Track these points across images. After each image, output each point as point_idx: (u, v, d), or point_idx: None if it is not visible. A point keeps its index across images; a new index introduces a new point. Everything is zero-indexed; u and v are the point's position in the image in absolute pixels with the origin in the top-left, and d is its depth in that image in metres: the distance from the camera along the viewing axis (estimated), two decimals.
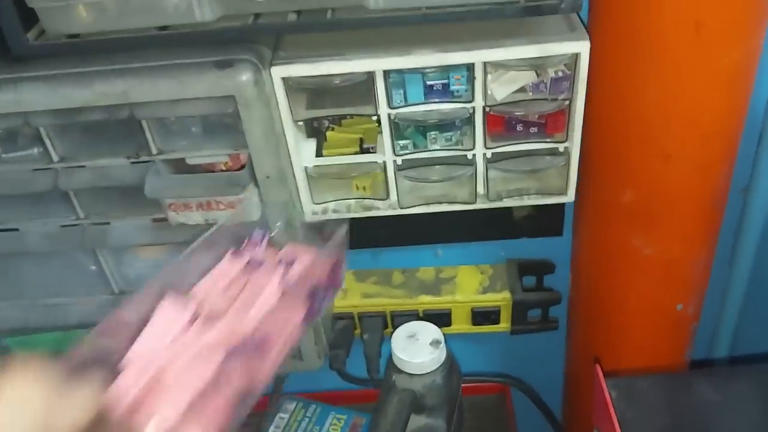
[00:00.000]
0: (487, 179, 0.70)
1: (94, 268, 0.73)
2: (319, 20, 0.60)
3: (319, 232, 0.56)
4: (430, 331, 0.72)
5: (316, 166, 0.70)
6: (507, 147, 0.69)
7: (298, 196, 0.71)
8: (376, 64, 0.62)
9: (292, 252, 0.52)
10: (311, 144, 0.71)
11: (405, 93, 0.65)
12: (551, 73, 0.64)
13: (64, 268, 0.74)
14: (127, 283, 0.75)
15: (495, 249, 0.98)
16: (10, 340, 0.79)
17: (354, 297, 0.96)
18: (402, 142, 0.69)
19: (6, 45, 0.60)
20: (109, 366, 0.40)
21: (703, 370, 0.94)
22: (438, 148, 0.69)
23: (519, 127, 0.68)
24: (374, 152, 0.70)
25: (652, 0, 0.62)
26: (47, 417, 0.32)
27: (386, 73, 0.64)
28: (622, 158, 0.72)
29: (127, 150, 0.65)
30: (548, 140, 0.68)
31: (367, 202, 0.73)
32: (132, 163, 0.65)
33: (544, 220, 0.94)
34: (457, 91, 0.66)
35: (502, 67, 0.64)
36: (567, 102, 0.65)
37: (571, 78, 0.64)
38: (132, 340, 0.42)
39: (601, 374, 0.63)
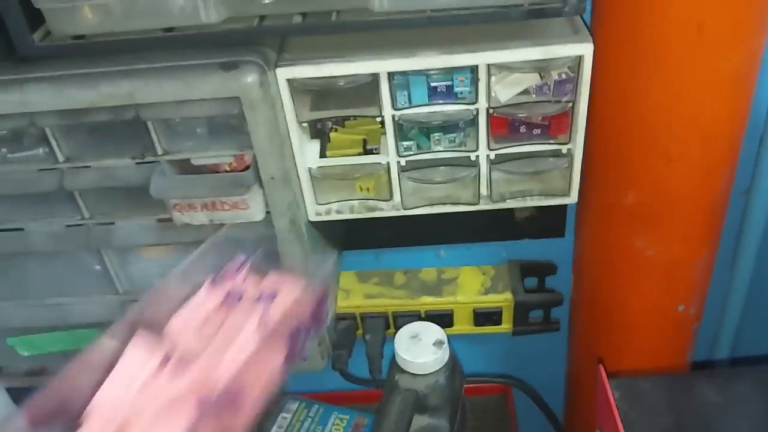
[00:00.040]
0: (490, 180, 0.71)
1: (98, 267, 0.73)
2: (324, 22, 0.60)
3: (305, 261, 0.54)
4: (433, 331, 0.72)
5: (320, 167, 0.70)
6: (510, 148, 0.69)
7: (302, 196, 0.71)
8: (381, 65, 0.63)
9: (275, 283, 0.49)
10: (315, 145, 0.71)
11: (409, 94, 0.66)
12: (555, 75, 0.64)
13: (69, 267, 0.74)
14: (131, 282, 0.75)
15: (497, 250, 0.99)
16: (14, 340, 0.80)
17: (356, 297, 0.96)
18: (406, 144, 0.69)
19: (12, 45, 0.60)
20: (71, 417, 0.37)
21: (705, 371, 0.95)
22: (441, 149, 0.69)
23: (522, 129, 0.68)
24: (378, 153, 0.71)
25: (655, 2, 0.62)
26: None
27: (390, 75, 0.64)
28: (624, 160, 0.73)
29: (132, 150, 0.65)
30: (551, 142, 0.69)
31: (371, 203, 0.73)
32: (137, 163, 0.65)
33: (546, 222, 0.94)
34: (461, 93, 0.66)
35: (505, 69, 0.64)
36: (570, 104, 0.66)
37: (575, 80, 0.64)
38: (97, 385, 0.39)
39: (604, 375, 0.64)
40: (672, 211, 0.74)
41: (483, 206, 0.72)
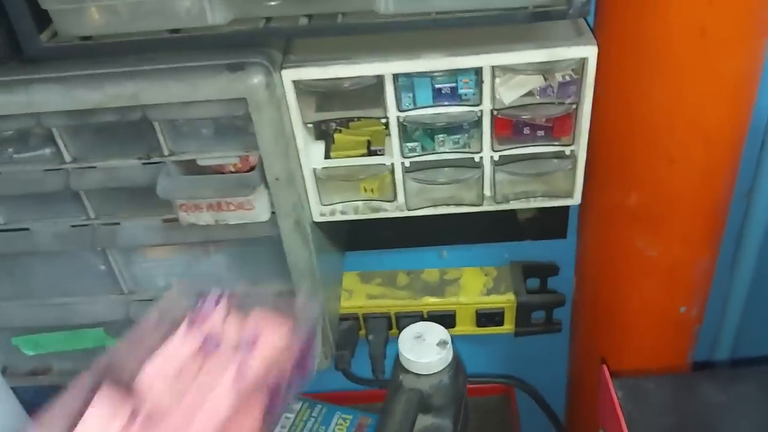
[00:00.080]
0: (494, 182, 0.71)
1: (103, 267, 0.73)
2: (329, 24, 0.60)
3: (288, 302, 0.52)
4: (436, 331, 0.72)
5: (325, 167, 0.71)
6: (514, 150, 0.69)
7: (307, 197, 0.71)
8: (386, 67, 0.63)
9: (257, 325, 0.46)
10: (320, 146, 0.71)
11: (414, 96, 0.66)
12: (559, 77, 0.65)
13: (74, 267, 0.75)
14: (136, 282, 0.75)
15: (499, 251, 0.99)
16: (18, 340, 0.80)
17: (359, 298, 0.97)
18: (410, 145, 0.69)
19: (19, 46, 0.61)
20: None
21: (708, 371, 0.95)
22: (446, 150, 0.70)
23: (526, 131, 0.68)
24: (382, 154, 0.71)
25: (658, 6, 0.63)
26: None
27: (395, 77, 0.64)
28: (627, 162, 0.73)
29: (138, 151, 0.66)
30: (555, 143, 0.69)
31: (375, 203, 0.74)
32: (143, 164, 0.66)
33: (548, 223, 0.95)
34: (465, 95, 0.66)
35: (510, 71, 0.64)
36: (574, 106, 0.66)
37: (579, 82, 0.64)
38: None
39: (608, 375, 0.64)
40: (674, 213, 0.75)
41: (486, 207, 0.73)
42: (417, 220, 0.75)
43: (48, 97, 0.61)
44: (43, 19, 0.60)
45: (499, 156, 0.70)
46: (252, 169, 0.67)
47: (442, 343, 0.71)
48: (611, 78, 0.68)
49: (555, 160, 0.70)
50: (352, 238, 0.96)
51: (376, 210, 0.74)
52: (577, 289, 0.93)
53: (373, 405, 1.01)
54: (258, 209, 0.66)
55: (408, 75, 0.65)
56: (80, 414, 0.38)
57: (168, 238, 0.70)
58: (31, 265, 0.75)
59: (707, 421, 0.60)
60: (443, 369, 0.70)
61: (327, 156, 0.71)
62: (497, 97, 0.65)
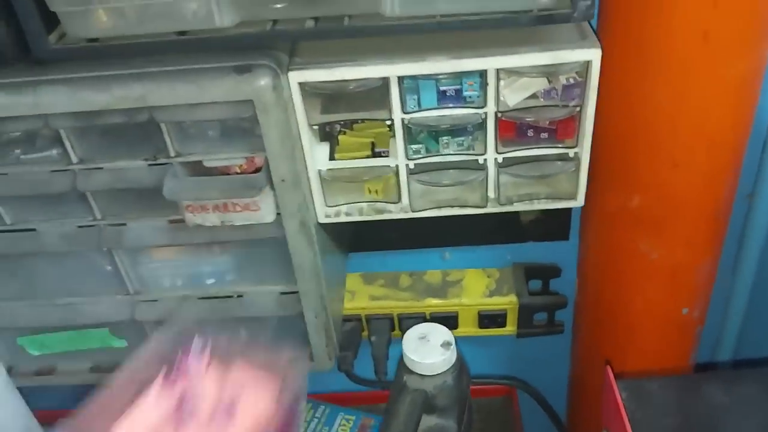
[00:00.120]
0: (498, 184, 0.71)
1: (109, 268, 0.74)
2: (336, 27, 0.60)
3: (276, 354, 0.50)
4: (440, 332, 0.73)
5: (330, 169, 0.71)
6: (518, 152, 0.70)
7: (312, 198, 0.72)
8: (391, 70, 0.63)
9: (237, 387, 0.43)
10: (324, 148, 0.72)
11: (419, 98, 0.66)
12: (563, 80, 0.65)
13: (80, 268, 0.75)
14: (141, 283, 0.75)
15: (502, 253, 0.99)
16: (24, 340, 0.80)
17: (361, 299, 0.97)
18: (415, 147, 0.70)
19: (27, 47, 0.61)
20: None
21: (712, 372, 0.96)
22: (450, 152, 0.70)
23: (530, 133, 0.69)
24: (386, 156, 0.71)
25: (662, 10, 0.63)
26: None
27: (401, 79, 0.65)
28: (630, 164, 0.74)
29: (144, 152, 0.66)
30: (558, 146, 0.69)
31: (379, 205, 0.74)
32: (150, 165, 0.66)
33: (551, 225, 0.95)
34: (470, 97, 0.67)
35: (514, 74, 0.65)
36: (578, 108, 0.66)
37: (583, 85, 0.65)
38: None
39: (612, 376, 0.64)
40: (677, 216, 0.75)
41: (490, 209, 0.73)
42: (419, 221, 0.76)
43: (56, 98, 0.61)
44: (51, 21, 0.60)
45: (503, 158, 0.70)
46: (257, 170, 0.68)
47: (446, 344, 0.72)
48: (614, 81, 0.68)
49: (558, 163, 0.71)
50: (356, 239, 0.97)
51: (381, 211, 0.74)
52: (579, 291, 0.94)
53: (376, 406, 1.01)
54: (264, 210, 0.67)
55: (413, 77, 0.65)
56: None
57: (174, 239, 0.70)
58: (37, 265, 0.76)
59: (711, 422, 0.61)
60: (447, 370, 0.71)
61: (332, 157, 0.71)
62: (501, 99, 0.66)
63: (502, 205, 0.73)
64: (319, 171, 0.71)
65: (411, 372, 0.71)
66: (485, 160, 0.70)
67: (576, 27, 0.66)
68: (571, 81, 0.65)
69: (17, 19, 0.59)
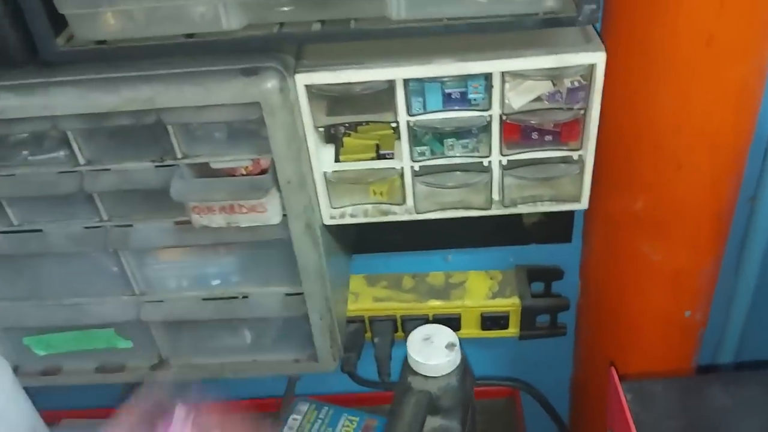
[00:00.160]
0: (502, 186, 0.72)
1: (115, 269, 0.74)
2: (342, 30, 0.61)
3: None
4: (445, 334, 0.73)
5: (335, 171, 0.71)
6: (522, 154, 0.70)
7: (317, 200, 0.72)
8: (397, 72, 0.64)
9: None
10: (330, 150, 0.72)
11: (424, 101, 0.67)
12: (567, 83, 0.66)
13: (86, 268, 0.75)
14: (147, 284, 0.76)
15: (504, 255, 1.00)
16: (30, 340, 0.81)
17: (365, 301, 0.97)
18: (420, 149, 0.70)
19: (35, 49, 0.61)
20: None
21: (716, 374, 0.96)
22: (455, 154, 0.71)
23: (534, 135, 0.69)
24: (391, 158, 0.72)
25: (666, 14, 0.64)
26: None
27: (406, 82, 0.65)
28: (633, 167, 0.74)
29: (151, 154, 0.66)
30: (563, 148, 0.70)
31: (384, 206, 0.74)
32: (156, 167, 0.67)
33: (554, 227, 0.96)
34: (475, 100, 0.67)
35: (519, 77, 0.65)
36: (582, 111, 0.67)
37: (587, 88, 0.65)
38: None
39: (616, 377, 0.65)
40: (680, 218, 0.76)
41: (495, 211, 0.74)
42: (422, 223, 0.76)
43: (65, 100, 0.62)
44: (59, 23, 0.61)
45: (508, 160, 0.70)
46: (263, 172, 0.68)
47: (450, 346, 0.72)
48: (618, 84, 0.68)
49: (563, 165, 0.71)
50: (359, 240, 0.97)
51: (385, 213, 0.75)
52: (582, 293, 0.94)
53: (379, 407, 1.02)
54: (270, 212, 0.67)
55: (419, 80, 0.65)
56: None
57: (180, 240, 0.71)
58: (43, 265, 0.76)
59: (714, 423, 0.61)
60: (452, 371, 0.71)
61: (337, 159, 0.72)
62: (506, 102, 0.66)
63: (506, 207, 0.73)
64: (325, 173, 0.71)
65: (415, 373, 0.71)
66: (490, 162, 0.70)
67: (580, 30, 0.66)
68: (576, 84, 0.66)
69: (25, 22, 0.60)
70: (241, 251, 0.75)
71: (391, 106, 0.67)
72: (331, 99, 0.68)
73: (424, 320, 0.97)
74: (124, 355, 0.81)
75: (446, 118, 0.68)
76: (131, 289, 0.76)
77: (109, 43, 0.62)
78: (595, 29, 0.67)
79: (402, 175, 0.71)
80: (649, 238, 0.78)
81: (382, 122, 0.69)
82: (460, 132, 0.69)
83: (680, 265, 0.79)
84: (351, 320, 0.97)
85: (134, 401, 0.43)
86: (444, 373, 0.71)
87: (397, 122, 0.68)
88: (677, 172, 0.71)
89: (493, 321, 0.97)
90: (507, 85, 0.65)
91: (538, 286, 1.00)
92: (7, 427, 0.67)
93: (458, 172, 0.72)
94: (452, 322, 0.97)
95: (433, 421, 0.70)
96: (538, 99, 0.67)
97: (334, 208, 0.74)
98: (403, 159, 0.70)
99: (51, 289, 0.77)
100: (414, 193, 0.73)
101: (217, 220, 0.67)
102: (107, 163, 0.67)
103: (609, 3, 0.68)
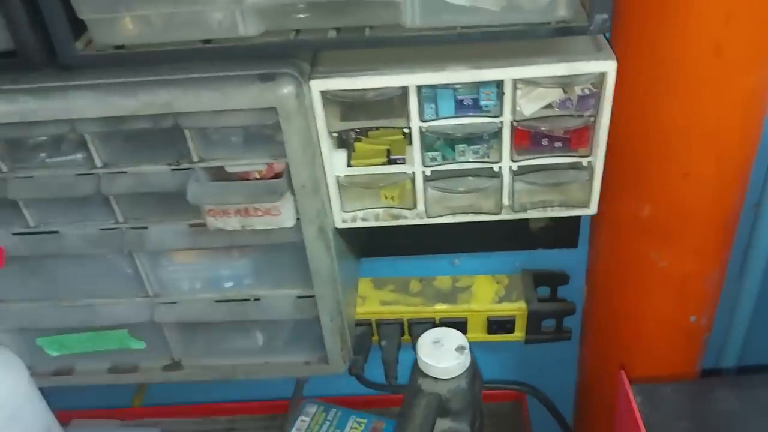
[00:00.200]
0: (512, 191, 0.73)
1: (129, 270, 0.75)
2: (358, 37, 0.62)
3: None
4: (454, 337, 0.74)
5: (347, 175, 0.72)
6: (532, 160, 0.71)
7: (329, 204, 0.73)
8: (411, 79, 0.65)
9: None
10: (342, 154, 0.73)
11: (436, 107, 0.68)
12: (578, 90, 0.67)
13: (100, 270, 0.76)
14: (161, 285, 0.77)
15: (511, 259, 1.01)
16: (43, 341, 0.81)
17: (372, 304, 0.98)
18: (431, 154, 0.71)
19: (54, 53, 0.62)
20: None
21: (724, 377, 0.97)
22: (466, 160, 0.72)
23: (544, 142, 0.70)
24: (402, 163, 0.73)
25: (674, 23, 0.65)
26: None
27: (419, 88, 0.66)
28: (641, 174, 0.75)
29: (167, 157, 0.67)
30: (572, 155, 0.71)
31: (395, 211, 0.75)
32: (172, 170, 0.67)
33: (560, 233, 0.97)
34: (486, 106, 0.68)
35: (531, 84, 0.66)
36: (592, 118, 0.68)
37: (597, 96, 0.66)
38: None
39: (626, 380, 0.65)
40: (686, 225, 0.77)
41: (504, 216, 0.75)
42: (430, 228, 0.77)
43: (83, 103, 0.63)
44: (78, 27, 0.62)
45: (518, 166, 0.71)
46: (276, 176, 0.69)
47: (460, 349, 0.73)
48: (627, 91, 0.69)
49: (572, 171, 0.72)
50: (367, 244, 0.98)
51: (396, 217, 0.76)
52: (588, 298, 0.95)
53: (387, 410, 1.02)
54: (284, 215, 0.68)
55: (431, 86, 0.66)
56: None
57: (194, 242, 0.72)
58: (58, 267, 0.77)
59: (724, 426, 0.62)
60: (461, 374, 0.72)
61: (349, 164, 0.73)
62: (518, 109, 0.67)
63: (516, 212, 0.74)
64: (337, 177, 0.72)
65: (425, 375, 0.72)
66: (500, 167, 0.71)
67: (591, 39, 0.67)
68: (586, 92, 0.67)
69: (45, 26, 0.61)
70: (254, 254, 0.76)
71: (404, 111, 0.68)
72: (345, 105, 0.69)
73: (431, 324, 0.98)
74: (136, 355, 0.82)
75: (458, 124, 0.69)
76: (145, 291, 0.76)
77: (127, 48, 0.63)
78: (605, 38, 0.68)
79: (413, 180, 0.72)
80: (656, 244, 0.79)
81: (395, 128, 0.70)
82: (472, 138, 0.70)
83: (686, 271, 0.80)
84: (358, 323, 0.98)
85: None
86: (454, 376, 0.72)
87: (410, 128, 0.69)
88: (684, 179, 0.73)
89: (499, 325, 0.98)
90: (519, 92, 0.67)
91: (544, 291, 1.00)
92: (22, 427, 0.68)
93: (469, 177, 0.73)
94: (459, 326, 0.97)
95: (442, 423, 0.71)
96: (549, 106, 0.68)
97: (346, 212, 0.75)
98: (415, 164, 0.71)
99: (65, 291, 0.78)
100: (425, 198, 0.74)
101: (232, 223, 0.68)
102: (124, 165, 0.68)
103: (618, 12, 0.69)
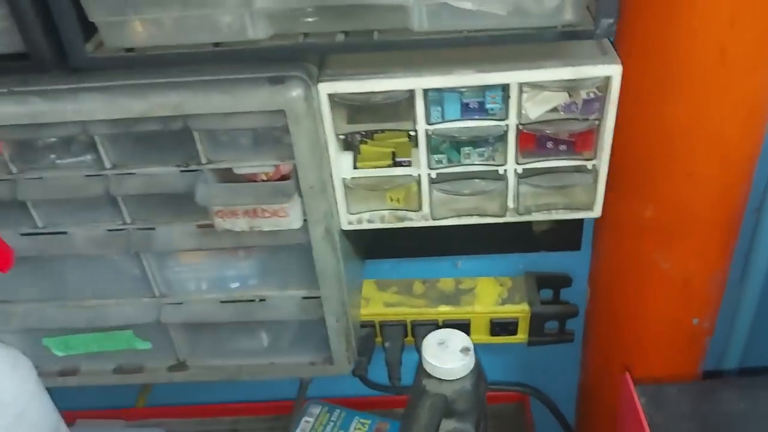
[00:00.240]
0: (517, 193, 0.73)
1: (136, 271, 0.75)
2: (366, 41, 0.62)
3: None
4: (459, 338, 0.74)
5: (354, 177, 0.73)
6: (537, 163, 0.72)
7: (336, 206, 0.73)
8: (419, 82, 0.66)
9: None
10: (348, 156, 0.73)
11: (443, 110, 0.68)
12: (583, 94, 0.67)
13: (107, 270, 0.77)
14: (168, 286, 0.77)
15: (514, 262, 1.01)
16: (49, 341, 0.82)
17: (376, 306, 0.99)
18: (437, 157, 0.72)
19: (65, 55, 0.63)
20: None
21: (728, 378, 0.97)
22: (471, 162, 0.72)
23: (549, 145, 0.71)
24: (407, 165, 0.73)
25: (680, 27, 0.65)
26: None
27: (426, 91, 0.67)
28: (645, 176, 0.76)
29: (176, 159, 0.68)
30: (577, 158, 0.71)
31: (400, 213, 0.76)
32: (181, 171, 0.68)
33: (563, 235, 0.97)
34: (492, 110, 0.69)
35: (536, 88, 0.67)
36: (597, 122, 0.68)
37: (602, 99, 0.67)
38: None
39: (630, 381, 0.66)
40: (690, 227, 0.77)
41: (509, 218, 0.75)
42: (433, 230, 0.78)
43: (95, 105, 0.63)
44: (88, 30, 0.62)
45: (523, 169, 0.72)
46: (283, 177, 0.70)
47: (465, 350, 0.73)
48: (631, 95, 0.70)
49: (576, 174, 0.73)
50: (371, 246, 0.98)
51: (402, 219, 0.76)
52: (591, 300, 0.95)
53: (390, 411, 1.03)
54: (292, 217, 0.69)
55: (438, 90, 0.67)
56: None
57: (201, 243, 0.72)
58: (65, 267, 0.77)
59: (727, 427, 0.62)
60: (466, 375, 0.72)
61: (354, 166, 0.73)
62: (523, 112, 0.68)
63: (520, 214, 0.75)
64: (344, 179, 0.73)
65: (430, 376, 0.73)
66: (505, 170, 0.72)
67: (596, 43, 0.68)
68: (591, 95, 0.67)
69: (56, 28, 0.61)
70: (260, 255, 0.76)
71: (410, 114, 0.68)
72: (351, 107, 0.70)
73: (434, 325, 0.98)
74: (142, 356, 0.82)
75: (464, 127, 0.69)
76: (151, 292, 0.77)
77: (137, 51, 0.63)
78: (610, 42, 0.69)
79: (419, 182, 0.73)
80: (659, 246, 0.79)
81: (401, 130, 0.70)
82: (477, 141, 0.71)
83: (689, 274, 0.80)
84: (362, 325, 0.98)
85: None
86: (459, 377, 0.72)
87: (416, 131, 0.69)
88: (688, 181, 0.73)
89: (502, 327, 0.99)
90: (524, 96, 0.67)
91: (547, 293, 1.01)
92: (30, 426, 0.68)
93: (474, 180, 0.73)
94: (462, 328, 0.96)
95: (447, 424, 0.71)
96: (554, 109, 0.69)
97: (352, 213, 0.75)
98: (421, 166, 0.72)
99: (72, 291, 0.78)
100: (431, 200, 0.74)
101: (240, 224, 0.69)
102: (133, 167, 0.68)
103: (623, 16, 0.69)
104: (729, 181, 0.74)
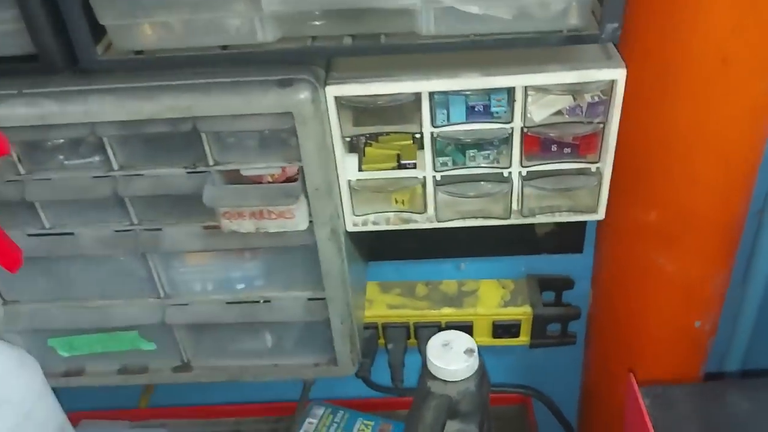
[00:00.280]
0: (522, 196, 0.74)
1: (142, 272, 0.76)
2: (373, 44, 0.63)
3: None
4: (463, 339, 0.75)
5: (359, 179, 0.73)
6: (542, 166, 0.72)
7: (342, 207, 0.74)
8: (425, 85, 0.66)
9: None
10: (354, 159, 0.74)
11: (448, 113, 0.69)
12: (588, 97, 0.68)
13: (113, 271, 0.77)
14: (173, 287, 0.77)
15: (516, 264, 1.02)
16: (54, 341, 0.82)
17: (379, 308, 0.99)
18: (442, 159, 0.72)
19: (74, 57, 0.63)
20: None
21: (733, 379, 0.97)
22: (476, 165, 0.73)
23: (554, 148, 0.72)
24: (412, 168, 0.74)
25: (682, 34, 0.66)
26: None
27: (431, 94, 0.67)
28: (648, 180, 0.76)
29: (184, 160, 0.68)
30: (581, 161, 0.72)
31: (405, 215, 0.76)
32: (188, 173, 0.68)
33: (565, 238, 0.98)
34: (497, 113, 0.69)
35: (541, 91, 0.67)
36: (601, 125, 0.69)
37: (607, 103, 0.67)
38: None
39: (635, 382, 0.66)
40: (692, 230, 0.78)
41: (514, 220, 0.76)
42: (436, 232, 0.78)
43: (104, 107, 0.64)
44: (98, 31, 0.63)
45: (527, 171, 0.73)
46: (289, 179, 0.70)
47: (469, 351, 0.74)
48: (635, 99, 0.70)
49: (581, 177, 0.73)
50: (374, 248, 0.99)
51: (407, 221, 0.77)
52: (593, 303, 0.96)
53: (393, 412, 1.03)
54: (298, 218, 0.69)
55: (444, 93, 0.68)
56: None
57: (208, 244, 0.73)
58: (71, 268, 0.77)
59: (732, 429, 0.63)
60: (470, 376, 0.73)
61: (360, 169, 0.74)
62: (528, 115, 0.69)
63: (525, 217, 0.75)
64: (349, 181, 0.73)
65: (435, 378, 0.73)
66: (510, 173, 0.73)
67: (601, 47, 0.68)
68: (596, 99, 0.68)
69: (66, 30, 0.62)
70: (265, 256, 0.77)
71: (416, 117, 0.69)
72: (357, 110, 0.70)
73: (437, 327, 0.99)
74: (147, 356, 0.82)
75: (469, 130, 0.70)
76: (157, 292, 0.77)
77: (147, 53, 0.64)
78: (615, 46, 0.69)
79: (424, 185, 0.73)
80: (662, 249, 0.80)
81: (407, 133, 0.71)
82: (482, 143, 0.71)
83: (692, 276, 0.81)
84: (365, 326, 0.99)
85: None
86: (463, 378, 0.73)
87: (422, 133, 0.70)
88: (690, 184, 0.74)
89: (504, 329, 0.99)
90: (529, 99, 0.68)
91: (549, 296, 1.01)
92: (36, 425, 0.69)
93: (479, 182, 0.74)
94: (464, 330, 0.96)
95: (451, 425, 0.72)
96: (559, 113, 0.69)
97: (357, 215, 0.76)
98: (426, 169, 0.72)
99: (78, 292, 0.78)
100: (435, 202, 0.75)
101: (247, 225, 0.69)
102: (141, 168, 0.69)
103: (627, 21, 0.70)
104: (731, 184, 0.75)
